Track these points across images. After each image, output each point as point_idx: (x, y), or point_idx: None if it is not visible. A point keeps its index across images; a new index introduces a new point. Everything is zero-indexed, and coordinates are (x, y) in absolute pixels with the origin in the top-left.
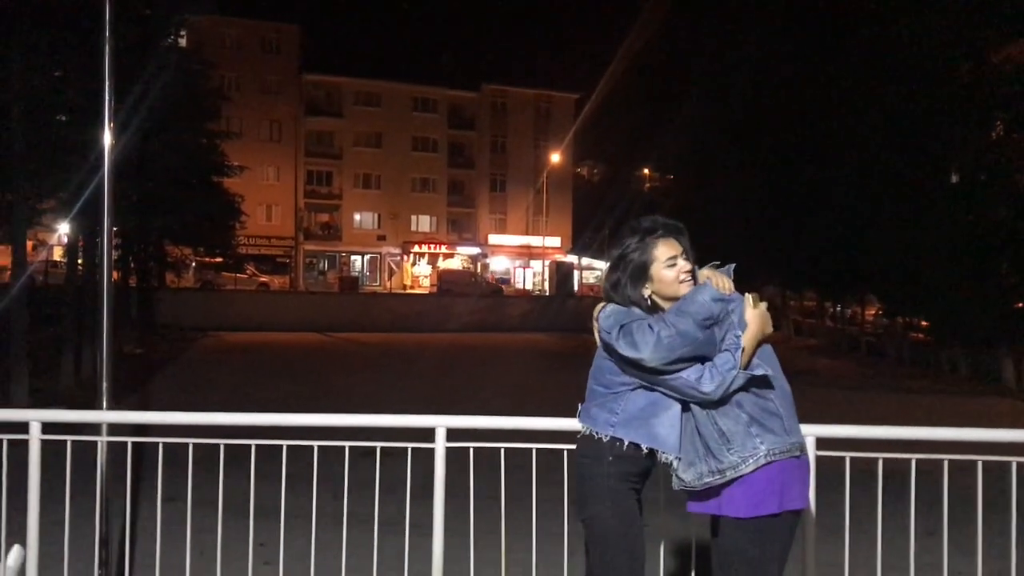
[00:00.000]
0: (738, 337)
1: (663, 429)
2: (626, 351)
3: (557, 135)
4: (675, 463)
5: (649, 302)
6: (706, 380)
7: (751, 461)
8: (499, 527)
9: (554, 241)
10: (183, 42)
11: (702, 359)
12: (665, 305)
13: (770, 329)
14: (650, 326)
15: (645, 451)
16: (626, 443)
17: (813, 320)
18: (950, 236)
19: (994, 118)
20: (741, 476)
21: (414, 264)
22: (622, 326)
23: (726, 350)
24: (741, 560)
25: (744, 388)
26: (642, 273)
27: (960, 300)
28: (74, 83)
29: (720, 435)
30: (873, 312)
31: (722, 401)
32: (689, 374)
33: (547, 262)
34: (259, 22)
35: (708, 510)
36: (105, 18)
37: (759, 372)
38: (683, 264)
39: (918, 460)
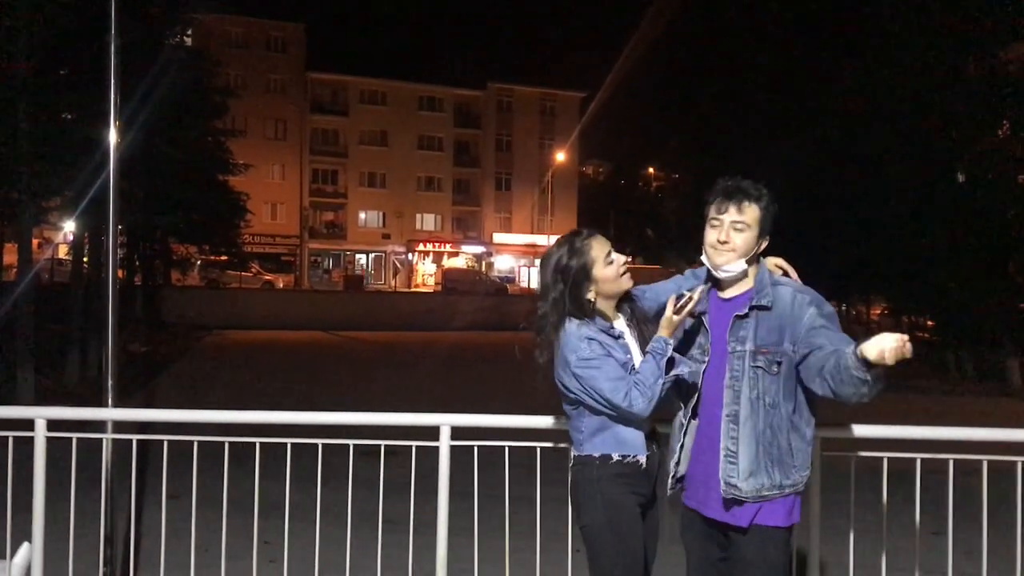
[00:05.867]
0: (667, 343)
1: (629, 433)
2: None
3: (563, 134)
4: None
5: (592, 305)
6: (637, 400)
7: (805, 479)
8: (503, 525)
9: None
10: (189, 41)
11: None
12: (602, 304)
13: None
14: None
15: (632, 456)
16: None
17: None
18: (957, 235)
19: (1001, 117)
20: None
21: (419, 262)
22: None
23: (649, 353)
24: (767, 568)
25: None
26: (585, 276)
27: (967, 300)
28: (80, 81)
29: (789, 452)
30: (879, 311)
31: (799, 417)
32: (613, 395)
33: None
34: (264, 20)
35: (734, 520)
36: (111, 16)
37: (684, 371)
38: (619, 257)
39: (923, 460)
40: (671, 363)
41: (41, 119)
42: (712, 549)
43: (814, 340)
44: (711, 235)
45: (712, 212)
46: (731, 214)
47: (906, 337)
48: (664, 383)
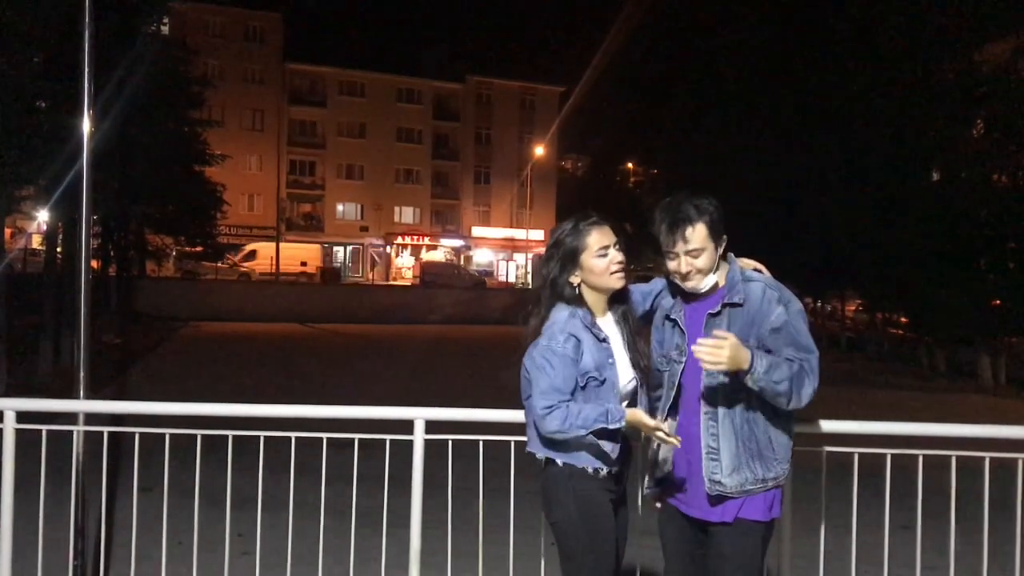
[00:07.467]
0: (620, 420)
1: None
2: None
3: (542, 128)
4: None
5: (577, 291)
6: (552, 422)
7: (786, 473)
8: (477, 519)
9: (538, 234)
10: (165, 29)
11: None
12: (591, 297)
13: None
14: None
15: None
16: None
17: None
18: (930, 233)
19: (975, 117)
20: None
21: (397, 255)
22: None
23: (604, 408)
24: (743, 562)
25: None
26: (572, 259)
27: (939, 296)
28: (54, 69)
29: (768, 445)
30: (853, 308)
31: (775, 410)
32: (538, 399)
33: (530, 255)
34: (242, 10)
35: (718, 517)
36: (86, 3)
37: (612, 426)
38: (615, 255)
39: (893, 455)
40: (609, 431)
41: (13, 107)
42: (690, 543)
43: (768, 345)
44: (672, 266)
45: (664, 245)
46: (681, 245)
47: (709, 342)
48: (583, 433)
